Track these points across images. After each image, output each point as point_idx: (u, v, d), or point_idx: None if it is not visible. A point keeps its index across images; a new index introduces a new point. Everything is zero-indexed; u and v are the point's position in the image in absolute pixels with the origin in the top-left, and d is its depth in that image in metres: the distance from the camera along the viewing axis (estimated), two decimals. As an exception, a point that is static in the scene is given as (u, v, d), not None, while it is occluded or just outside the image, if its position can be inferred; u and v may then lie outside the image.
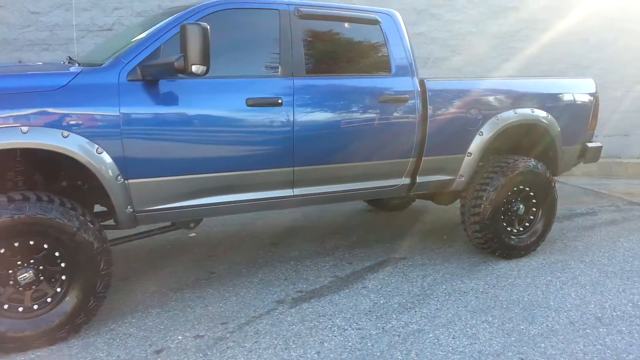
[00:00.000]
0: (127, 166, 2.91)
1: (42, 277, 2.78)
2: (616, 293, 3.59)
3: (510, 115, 4.12)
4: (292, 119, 3.33)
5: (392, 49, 3.78)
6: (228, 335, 2.98)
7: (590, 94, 4.58)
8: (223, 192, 3.25)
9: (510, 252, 4.19)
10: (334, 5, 3.65)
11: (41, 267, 2.77)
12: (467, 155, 4.05)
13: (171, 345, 2.85)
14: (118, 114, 2.85)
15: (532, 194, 4.24)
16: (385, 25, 3.79)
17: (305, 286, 3.69)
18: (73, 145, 2.73)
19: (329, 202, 3.81)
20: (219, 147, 3.16)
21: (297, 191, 3.50)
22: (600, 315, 3.25)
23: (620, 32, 8.35)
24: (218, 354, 2.76)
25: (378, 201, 5.65)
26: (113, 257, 2.99)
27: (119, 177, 2.89)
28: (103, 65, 2.95)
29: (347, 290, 3.61)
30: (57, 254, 2.78)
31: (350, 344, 2.89)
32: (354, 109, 3.58)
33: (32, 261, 2.74)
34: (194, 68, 2.74)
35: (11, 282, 2.70)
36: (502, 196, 4.07)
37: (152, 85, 2.97)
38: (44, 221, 2.65)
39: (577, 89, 4.57)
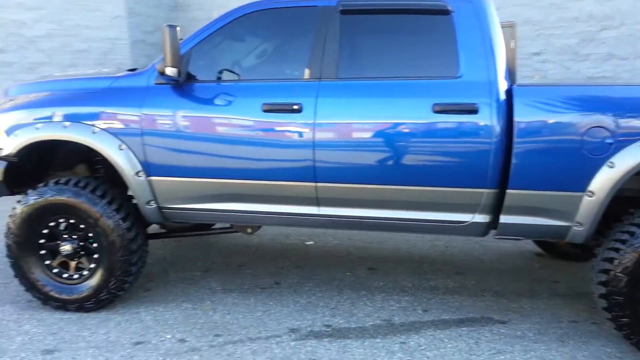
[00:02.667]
0: (148, 164, 3.12)
1: (82, 252, 3.26)
2: None
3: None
4: (312, 128, 2.93)
5: (462, 44, 2.88)
6: (204, 348, 2.86)
7: None
8: (242, 200, 3.12)
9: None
10: None
11: (81, 244, 3.25)
12: (587, 195, 2.73)
13: (152, 341, 2.93)
14: (140, 114, 3.09)
15: None
16: (458, 15, 2.91)
17: (339, 321, 3.20)
18: (99, 140, 3.10)
19: (372, 230, 3.17)
20: (233, 153, 3.05)
21: (324, 210, 3.06)
22: None
23: None
24: (166, 362, 2.70)
25: (552, 244, 4.36)
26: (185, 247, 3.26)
27: (140, 173, 3.13)
28: (140, 70, 3.24)
29: (376, 341, 2.95)
30: (90, 234, 3.22)
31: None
32: (393, 119, 2.89)
33: (74, 237, 3.25)
34: (168, 71, 2.73)
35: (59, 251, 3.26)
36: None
37: (174, 89, 3.09)
38: (68, 203, 3.11)
39: None
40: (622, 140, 2.66)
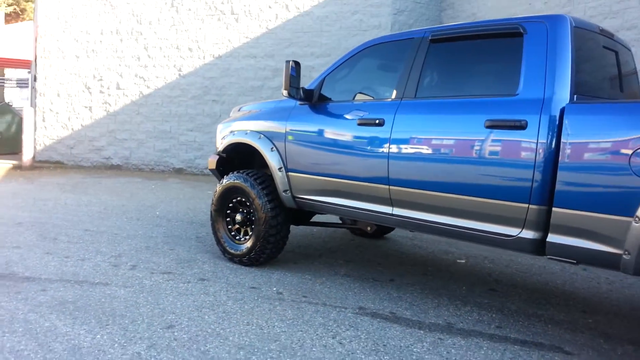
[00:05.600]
0: (287, 163, 4.24)
1: (247, 222, 4.60)
2: None
3: None
4: (389, 139, 3.50)
5: (526, 63, 2.96)
6: (289, 299, 3.74)
7: None
8: (340, 196, 3.89)
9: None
10: (467, 24, 3.31)
11: (246, 216, 4.58)
12: (635, 221, 2.48)
13: (262, 288, 3.97)
14: (285, 127, 4.24)
15: None
16: (529, 37, 3.00)
17: (406, 312, 3.59)
18: (259, 143, 4.38)
19: (433, 233, 3.43)
20: (329, 157, 3.87)
21: (396, 211, 3.55)
22: None
23: None
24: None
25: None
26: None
27: (281, 169, 4.27)
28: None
29: (421, 337, 3.27)
30: (251, 210, 4.52)
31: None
32: (452, 133, 3.19)
33: (243, 210, 4.60)
34: (283, 92, 3.75)
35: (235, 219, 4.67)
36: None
37: (310, 107, 4.13)
38: (240, 186, 4.46)
39: None
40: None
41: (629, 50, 3.75)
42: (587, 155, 2.67)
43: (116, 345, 2.93)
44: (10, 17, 30.87)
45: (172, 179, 10.81)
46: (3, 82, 21.08)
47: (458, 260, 5.08)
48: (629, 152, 2.50)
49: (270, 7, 11.00)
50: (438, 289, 4.12)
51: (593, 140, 2.65)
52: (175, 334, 3.10)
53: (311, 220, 4.94)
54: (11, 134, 13.89)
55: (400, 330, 3.28)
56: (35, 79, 12.36)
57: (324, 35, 10.65)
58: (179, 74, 11.56)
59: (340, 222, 5.43)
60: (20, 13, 33.28)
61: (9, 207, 6.88)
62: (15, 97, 22.89)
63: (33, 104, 12.40)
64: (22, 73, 21.34)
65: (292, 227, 4.66)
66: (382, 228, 5.66)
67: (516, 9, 8.69)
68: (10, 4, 32.40)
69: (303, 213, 4.64)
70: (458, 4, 10.18)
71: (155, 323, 3.24)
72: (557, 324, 3.47)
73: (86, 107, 12.11)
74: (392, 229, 5.83)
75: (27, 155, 11.58)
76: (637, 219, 2.47)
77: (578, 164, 2.69)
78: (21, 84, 20.34)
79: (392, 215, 3.59)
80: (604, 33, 3.35)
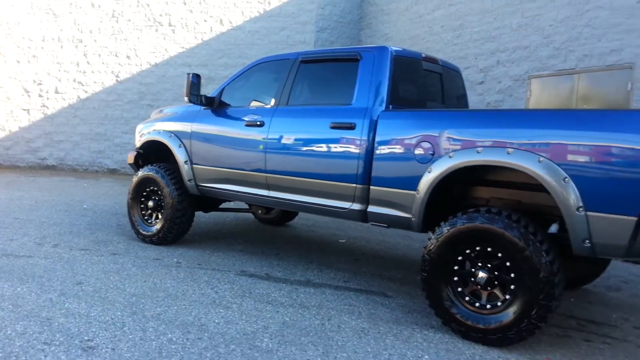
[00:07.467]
0: (192, 157, 5.08)
1: (158, 208, 5.39)
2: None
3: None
4: (267, 137, 4.43)
5: (359, 81, 3.98)
6: (188, 267, 4.57)
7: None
8: (229, 182, 4.78)
9: None
10: (327, 50, 4.36)
11: (158, 202, 5.38)
12: (417, 194, 3.50)
13: (164, 260, 4.78)
14: (191, 127, 5.09)
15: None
16: (363, 62, 4.01)
17: (278, 274, 4.50)
18: (169, 140, 5.22)
19: (297, 210, 4.38)
20: (224, 152, 4.77)
21: (272, 194, 4.48)
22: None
23: None
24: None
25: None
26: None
27: (187, 162, 5.11)
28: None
29: (282, 285, 4.19)
30: (161, 197, 5.32)
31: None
32: (309, 132, 4.18)
33: (155, 197, 5.40)
34: (185, 99, 4.64)
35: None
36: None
37: (210, 112, 5.02)
38: (152, 177, 5.27)
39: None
40: (439, 153, 3.39)
41: (457, 71, 4.86)
42: (390, 149, 3.68)
43: (33, 294, 3.68)
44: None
45: (105, 178, 11.39)
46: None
47: (340, 240, 6.07)
48: (414, 145, 3.53)
49: (205, 20, 11.83)
50: (312, 259, 5.07)
51: (394, 137, 3.67)
52: (83, 287, 3.88)
53: (219, 207, 5.79)
54: (-55, 135, 13.96)
55: (268, 284, 4.19)
56: (-28, 81, 12.61)
57: (255, 47, 11.57)
58: (117, 80, 12.17)
59: (245, 207, 6.30)
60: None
61: (-58, 200, 7.35)
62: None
63: (-31, 106, 12.63)
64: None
65: (203, 215, 5.47)
66: (284, 216, 6.60)
67: (418, 31, 9.92)
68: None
69: (211, 201, 5.49)
70: (374, 25, 11.36)
71: (68, 281, 4.00)
72: (391, 279, 4.48)
73: (24, 109, 12.48)
74: (294, 216, 6.79)
75: (-39, 155, 11.81)
76: (418, 192, 3.49)
77: (385, 154, 3.70)
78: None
79: (268, 197, 4.51)
80: (428, 59, 4.41)
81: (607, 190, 2.81)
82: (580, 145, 2.88)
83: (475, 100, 8.59)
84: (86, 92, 12.28)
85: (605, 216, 2.82)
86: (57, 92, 12.37)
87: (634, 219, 2.75)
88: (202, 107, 5.10)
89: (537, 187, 3.11)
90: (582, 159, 2.87)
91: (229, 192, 4.84)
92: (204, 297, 3.79)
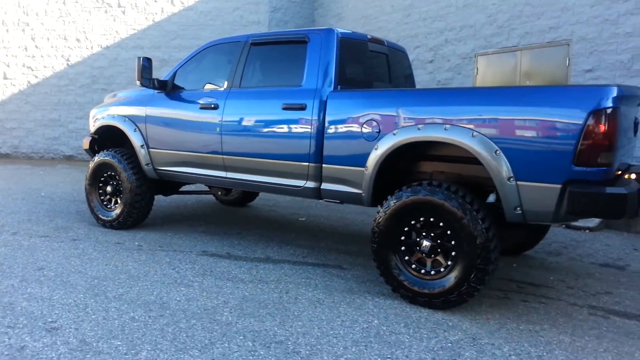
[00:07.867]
0: (148, 141, 5.13)
1: (117, 193, 5.43)
2: None
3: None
4: (221, 120, 4.53)
5: (308, 63, 4.12)
6: (150, 249, 4.67)
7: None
8: (187, 165, 4.88)
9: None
10: (276, 32, 4.45)
11: (116, 187, 5.42)
12: (366, 170, 3.71)
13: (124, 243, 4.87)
14: (145, 111, 5.13)
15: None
16: (311, 44, 4.15)
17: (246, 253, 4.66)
18: (124, 125, 5.25)
19: (254, 190, 4.56)
20: (180, 135, 4.85)
21: (229, 175, 4.61)
22: None
23: None
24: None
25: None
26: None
27: (143, 146, 5.16)
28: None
29: (242, 262, 4.37)
30: (119, 182, 5.36)
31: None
32: (262, 114, 4.31)
33: (113, 182, 5.44)
34: (137, 83, 4.68)
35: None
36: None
37: (164, 95, 5.06)
38: (109, 162, 5.30)
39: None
40: (384, 131, 3.60)
41: (403, 52, 5.06)
42: (339, 128, 3.87)
43: (-7, 282, 3.73)
44: None
45: (61, 165, 11.18)
46: None
47: (300, 219, 6.27)
48: (361, 124, 3.73)
49: (155, 1, 11.61)
50: (272, 237, 5.25)
51: (342, 117, 3.85)
52: (45, 273, 3.94)
53: (180, 190, 5.87)
54: None
55: (228, 262, 4.36)
56: None
57: (208, 28, 11.47)
58: (67, 64, 11.85)
59: (206, 189, 6.40)
60: None
61: None
62: None
63: None
64: None
65: (164, 198, 5.53)
66: (245, 197, 6.74)
67: (370, 11, 10.08)
68: None
69: (171, 184, 5.56)
70: (327, 4, 11.44)
71: (29, 267, 4.06)
72: (347, 253, 4.73)
73: (-30, 96, 12.03)
74: (255, 197, 6.93)
75: None
76: (367, 168, 3.70)
77: (335, 134, 3.88)
78: None
79: (226, 178, 4.64)
80: (374, 40, 4.59)
81: (534, 161, 3.08)
82: (509, 120, 3.14)
83: (426, 79, 8.87)
84: (36, 77, 11.93)
85: (534, 185, 3.10)
86: (5, 77, 11.97)
87: (559, 186, 3.03)
88: (157, 91, 5.13)
89: (473, 160, 3.36)
90: (510, 132, 3.13)
91: (187, 175, 4.94)
92: (165, 277, 3.93)
